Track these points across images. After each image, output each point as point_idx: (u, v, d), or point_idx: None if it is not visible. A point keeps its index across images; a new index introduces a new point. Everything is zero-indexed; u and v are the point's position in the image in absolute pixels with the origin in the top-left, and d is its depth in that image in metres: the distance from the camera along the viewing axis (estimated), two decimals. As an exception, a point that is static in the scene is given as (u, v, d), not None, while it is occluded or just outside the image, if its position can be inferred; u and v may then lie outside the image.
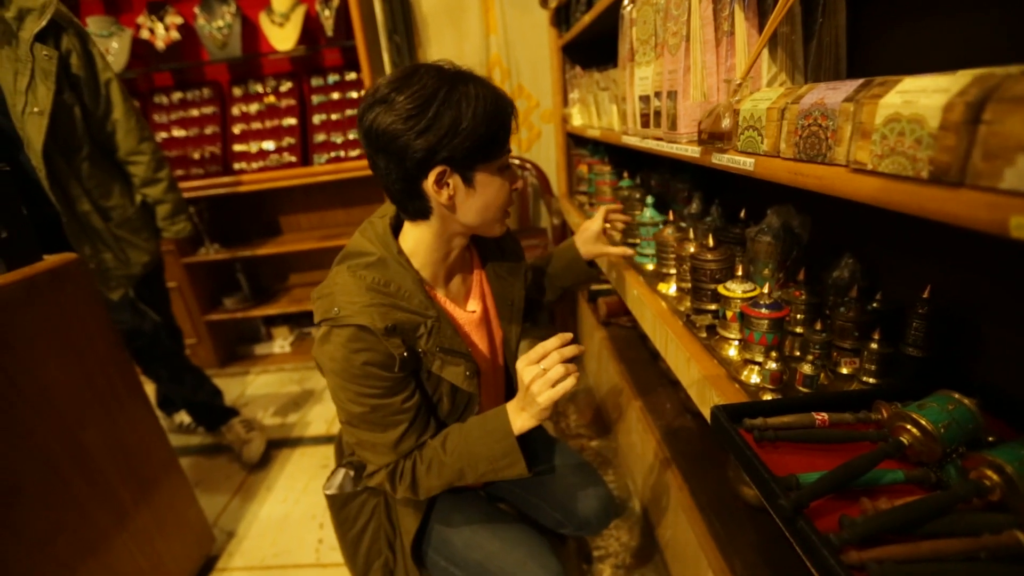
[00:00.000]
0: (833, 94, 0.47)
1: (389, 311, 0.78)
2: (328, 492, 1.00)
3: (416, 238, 0.84)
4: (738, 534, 1.04)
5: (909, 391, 0.62)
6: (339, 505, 1.00)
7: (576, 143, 2.23)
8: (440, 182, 0.75)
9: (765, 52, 0.72)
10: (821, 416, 0.60)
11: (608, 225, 1.14)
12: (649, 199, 1.22)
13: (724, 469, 1.18)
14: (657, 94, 0.92)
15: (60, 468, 1.01)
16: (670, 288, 1.08)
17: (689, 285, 1.00)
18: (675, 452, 1.29)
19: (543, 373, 0.76)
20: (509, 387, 1.06)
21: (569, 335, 0.79)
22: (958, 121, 0.33)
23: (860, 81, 0.45)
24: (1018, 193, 0.29)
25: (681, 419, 1.42)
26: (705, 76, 0.80)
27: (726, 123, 0.67)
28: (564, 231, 2.61)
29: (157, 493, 1.26)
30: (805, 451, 0.58)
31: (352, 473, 1.01)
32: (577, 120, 1.93)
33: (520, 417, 0.80)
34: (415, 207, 0.80)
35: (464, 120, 0.71)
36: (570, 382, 0.76)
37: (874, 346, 0.66)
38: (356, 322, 0.75)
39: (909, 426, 0.50)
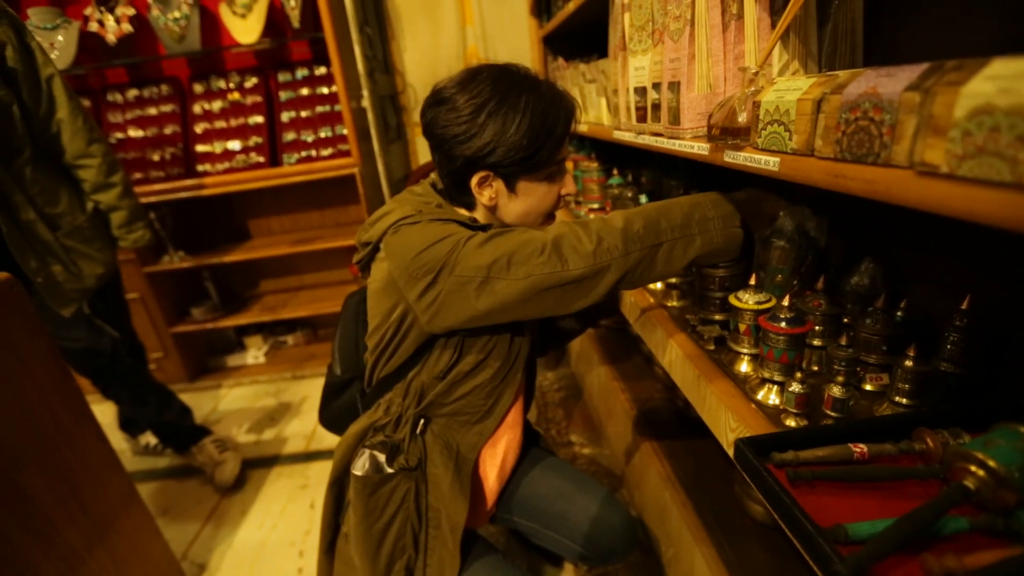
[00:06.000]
0: (889, 82, 0.40)
1: None
2: (357, 472, 0.87)
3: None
4: (748, 555, 0.98)
5: (952, 415, 0.55)
6: (370, 490, 0.86)
7: (560, 138, 2.14)
8: (483, 184, 0.80)
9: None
10: (860, 448, 0.53)
11: None
12: (643, 198, 1.15)
13: (729, 483, 1.12)
14: (656, 85, 0.84)
15: (-6, 518, 0.89)
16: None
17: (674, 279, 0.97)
18: (676, 466, 1.22)
19: None
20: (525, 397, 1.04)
21: None
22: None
23: (924, 66, 0.38)
24: None
25: (680, 428, 1.36)
26: (712, 64, 0.73)
27: (743, 117, 0.60)
28: (549, 229, 2.52)
29: (114, 533, 1.15)
30: (846, 491, 0.51)
31: (383, 456, 0.87)
32: (561, 114, 1.84)
33: None
34: (460, 200, 0.85)
35: (508, 133, 0.75)
36: None
37: (909, 363, 0.59)
38: (440, 216, 0.78)
39: (974, 468, 0.43)
